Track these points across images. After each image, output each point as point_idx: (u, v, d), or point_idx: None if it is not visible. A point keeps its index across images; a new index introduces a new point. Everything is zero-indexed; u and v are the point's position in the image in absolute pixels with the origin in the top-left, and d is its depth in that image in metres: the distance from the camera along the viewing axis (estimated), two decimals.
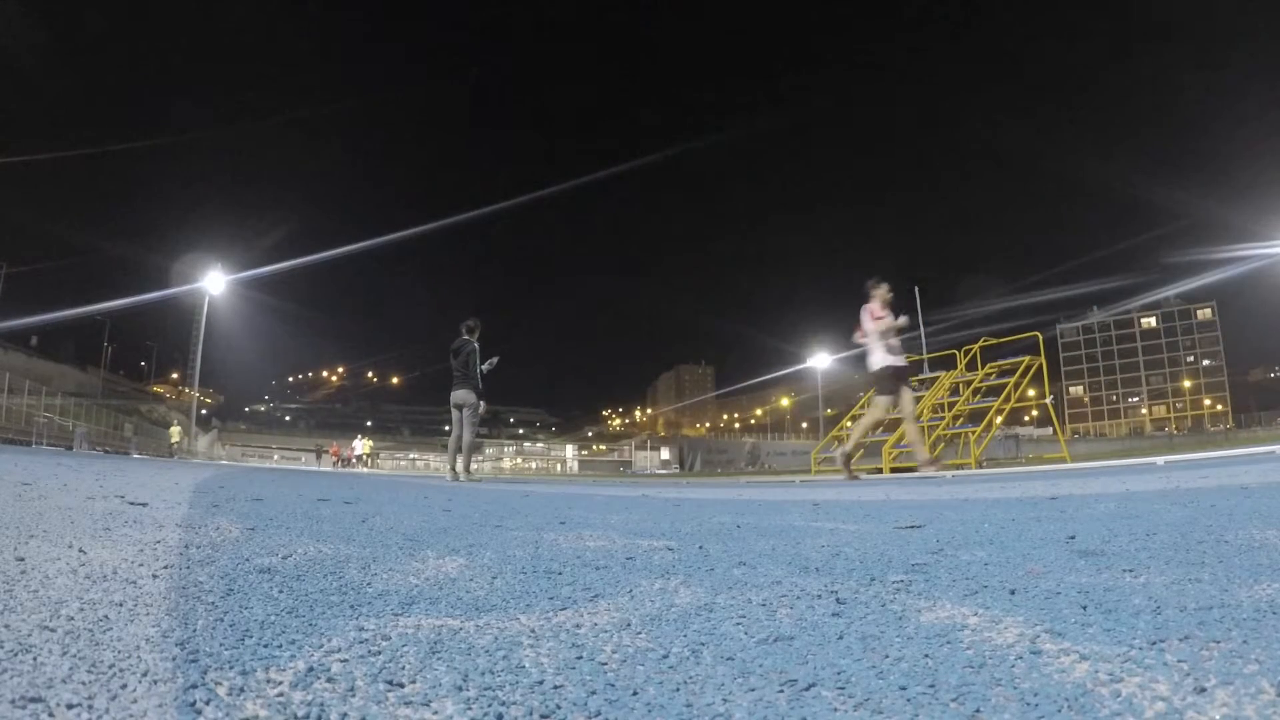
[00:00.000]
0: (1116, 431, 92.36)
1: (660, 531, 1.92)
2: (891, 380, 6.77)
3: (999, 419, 11.90)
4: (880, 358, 6.75)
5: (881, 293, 6.98)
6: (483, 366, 8.34)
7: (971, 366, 12.70)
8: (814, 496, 3.95)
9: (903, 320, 6.86)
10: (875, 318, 6.82)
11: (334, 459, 37.11)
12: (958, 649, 0.70)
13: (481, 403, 8.30)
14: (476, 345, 8.30)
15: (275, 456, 53.45)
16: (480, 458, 52.83)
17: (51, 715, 0.51)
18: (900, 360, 6.85)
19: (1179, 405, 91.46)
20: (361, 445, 35.43)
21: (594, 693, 0.61)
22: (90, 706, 0.53)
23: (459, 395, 8.20)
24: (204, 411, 64.96)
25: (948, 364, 13.61)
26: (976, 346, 12.72)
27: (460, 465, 8.06)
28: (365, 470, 27.28)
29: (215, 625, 0.79)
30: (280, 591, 0.99)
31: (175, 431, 33.77)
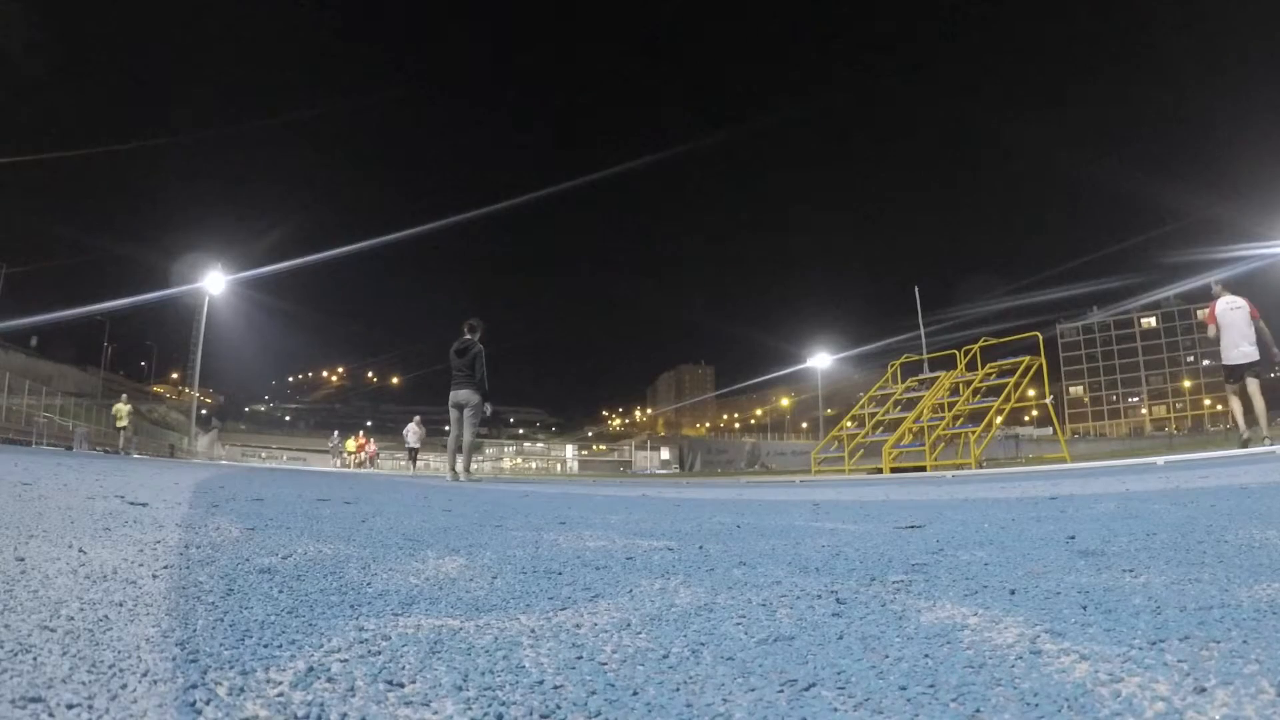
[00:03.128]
0: (1116, 431, 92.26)
1: (660, 531, 1.92)
2: (1258, 366, 7.84)
3: (999, 419, 11.90)
4: (1252, 349, 7.77)
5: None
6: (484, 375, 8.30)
7: (971, 366, 12.71)
8: (814, 496, 3.96)
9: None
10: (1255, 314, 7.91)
11: (356, 455, 28.98)
12: (958, 649, 0.70)
13: (487, 404, 8.28)
14: (481, 346, 8.27)
15: (262, 454, 51.81)
16: (480, 458, 52.65)
17: (51, 715, 0.51)
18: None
19: (1179, 405, 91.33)
20: (417, 432, 23.25)
21: (594, 693, 0.61)
22: (90, 706, 0.53)
23: (461, 395, 8.17)
24: (204, 411, 64.89)
25: (948, 364, 13.62)
26: (976, 346, 12.73)
27: (460, 465, 8.06)
28: (411, 470, 22.16)
29: (215, 625, 0.79)
30: (280, 591, 0.99)
31: (123, 411, 22.55)
